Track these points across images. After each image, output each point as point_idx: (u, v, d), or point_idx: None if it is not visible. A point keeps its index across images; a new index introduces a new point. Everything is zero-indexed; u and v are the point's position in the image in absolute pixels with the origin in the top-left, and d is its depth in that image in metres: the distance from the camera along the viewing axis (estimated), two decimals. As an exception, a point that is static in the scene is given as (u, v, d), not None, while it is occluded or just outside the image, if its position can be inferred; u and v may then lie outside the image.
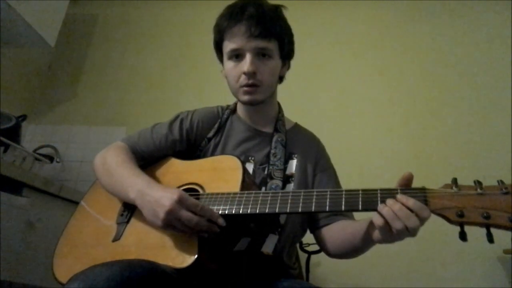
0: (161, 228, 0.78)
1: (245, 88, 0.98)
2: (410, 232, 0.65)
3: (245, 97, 0.99)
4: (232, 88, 1.03)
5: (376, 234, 0.71)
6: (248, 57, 0.95)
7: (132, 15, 2.79)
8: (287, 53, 1.04)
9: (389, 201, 0.68)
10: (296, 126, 1.16)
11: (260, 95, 0.99)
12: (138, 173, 0.90)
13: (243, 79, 0.97)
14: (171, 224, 0.76)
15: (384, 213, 0.67)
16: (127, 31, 2.74)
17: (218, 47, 1.04)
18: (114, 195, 0.95)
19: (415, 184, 0.70)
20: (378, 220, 0.68)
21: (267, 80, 0.99)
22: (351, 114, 2.35)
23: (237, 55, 0.98)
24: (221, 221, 0.77)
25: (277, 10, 1.00)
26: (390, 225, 0.66)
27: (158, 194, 0.78)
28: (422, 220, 0.65)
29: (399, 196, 0.67)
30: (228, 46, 0.98)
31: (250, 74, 0.95)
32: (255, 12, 0.94)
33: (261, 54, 0.96)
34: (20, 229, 1.50)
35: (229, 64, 1.00)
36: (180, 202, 0.75)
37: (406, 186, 0.71)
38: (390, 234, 0.68)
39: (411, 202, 0.66)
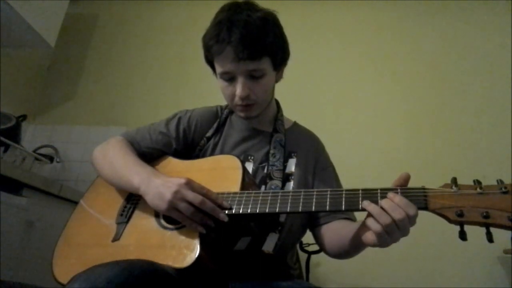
0: (164, 211, 0.78)
1: (240, 107, 0.98)
2: (399, 227, 0.66)
3: (241, 114, 1.00)
4: (227, 102, 1.03)
5: (369, 236, 0.71)
6: (239, 81, 0.93)
7: (132, 15, 2.79)
8: (280, 62, 1.00)
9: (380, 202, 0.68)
10: (295, 125, 1.16)
11: (255, 111, 1.00)
12: (142, 163, 0.92)
13: (237, 100, 0.96)
14: (176, 207, 0.77)
15: (370, 210, 0.68)
16: (127, 31, 2.74)
17: (209, 62, 1.01)
18: (115, 186, 0.95)
19: (415, 183, 0.70)
20: (368, 220, 0.69)
21: (262, 97, 0.98)
22: (351, 114, 2.35)
23: (228, 77, 0.95)
24: (226, 204, 0.79)
25: (266, 23, 0.92)
26: (379, 222, 0.66)
27: (165, 179, 0.81)
28: (410, 218, 0.65)
29: (389, 193, 0.68)
30: (218, 68, 0.95)
31: (243, 98, 0.95)
32: (242, 35, 0.88)
33: (253, 75, 0.94)
34: (20, 229, 1.50)
35: (221, 82, 0.98)
36: (187, 183, 0.78)
37: (402, 186, 0.71)
38: (382, 234, 0.68)
39: (397, 198, 0.66)
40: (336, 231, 0.93)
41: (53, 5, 2.18)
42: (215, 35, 0.91)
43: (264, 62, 0.93)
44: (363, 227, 0.73)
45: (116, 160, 0.94)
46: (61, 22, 2.25)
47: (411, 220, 0.66)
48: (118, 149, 0.97)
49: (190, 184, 0.78)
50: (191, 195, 0.76)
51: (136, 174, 0.87)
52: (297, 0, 2.61)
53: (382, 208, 0.67)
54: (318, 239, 1.00)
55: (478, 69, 2.33)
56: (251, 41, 0.89)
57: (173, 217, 0.79)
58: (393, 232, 0.66)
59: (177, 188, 0.77)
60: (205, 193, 0.78)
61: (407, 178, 0.71)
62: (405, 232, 0.67)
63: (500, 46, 2.34)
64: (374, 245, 0.71)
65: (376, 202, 0.69)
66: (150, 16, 2.77)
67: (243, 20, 0.89)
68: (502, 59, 2.29)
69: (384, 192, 0.70)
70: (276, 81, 1.05)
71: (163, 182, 0.80)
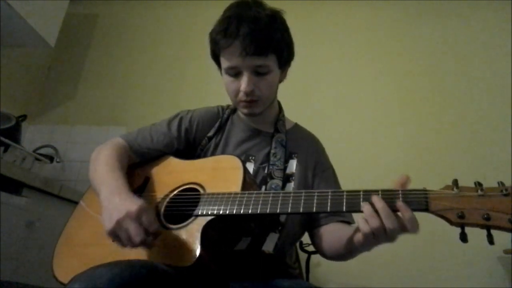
0: (107, 234, 0.75)
1: (244, 103, 0.98)
2: (387, 234, 0.66)
3: (245, 110, 1.00)
4: (231, 99, 1.03)
5: (358, 237, 0.71)
6: (245, 76, 0.93)
7: (132, 15, 2.79)
8: (286, 61, 1.01)
9: (374, 198, 0.68)
10: (296, 126, 1.16)
11: (259, 108, 1.00)
12: (118, 176, 0.88)
13: (242, 95, 0.96)
14: (117, 234, 0.73)
15: (364, 210, 0.68)
16: (127, 31, 2.74)
17: (215, 57, 1.01)
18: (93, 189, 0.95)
19: (416, 185, 0.70)
20: (360, 222, 0.69)
21: (266, 94, 0.98)
22: (352, 115, 2.35)
23: (234, 72, 0.95)
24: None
25: (274, 20, 0.94)
26: (368, 224, 0.67)
27: (122, 201, 0.77)
28: (405, 230, 0.66)
29: (399, 202, 0.67)
30: (225, 63, 0.96)
31: (248, 93, 0.95)
32: (250, 30, 0.89)
33: (258, 71, 0.94)
34: (20, 229, 1.50)
35: (226, 78, 0.98)
36: (137, 213, 0.73)
37: (402, 186, 0.71)
38: (369, 236, 0.68)
39: (408, 213, 0.65)
40: (333, 233, 0.93)
41: (53, 5, 2.18)
42: (223, 29, 0.92)
43: (270, 59, 0.94)
44: (358, 230, 0.73)
45: (99, 166, 0.93)
46: (61, 22, 2.25)
47: (403, 232, 0.66)
48: (107, 154, 0.95)
49: (139, 215, 0.73)
50: (133, 231, 0.71)
51: (105, 187, 0.84)
52: (297, 0, 2.61)
53: (375, 211, 0.67)
54: (315, 240, 1.00)
55: (478, 70, 2.33)
56: (259, 36, 0.89)
57: (113, 240, 0.75)
58: (380, 235, 0.67)
59: (122, 217, 0.72)
60: (152, 229, 0.73)
61: (407, 181, 0.71)
62: (392, 238, 0.68)
63: (500, 46, 2.34)
64: (360, 246, 0.73)
65: None
66: (150, 16, 2.77)
67: (251, 16, 0.90)
68: (503, 60, 2.30)
69: (385, 193, 0.70)
70: (280, 81, 1.05)
71: (120, 203, 0.76)
